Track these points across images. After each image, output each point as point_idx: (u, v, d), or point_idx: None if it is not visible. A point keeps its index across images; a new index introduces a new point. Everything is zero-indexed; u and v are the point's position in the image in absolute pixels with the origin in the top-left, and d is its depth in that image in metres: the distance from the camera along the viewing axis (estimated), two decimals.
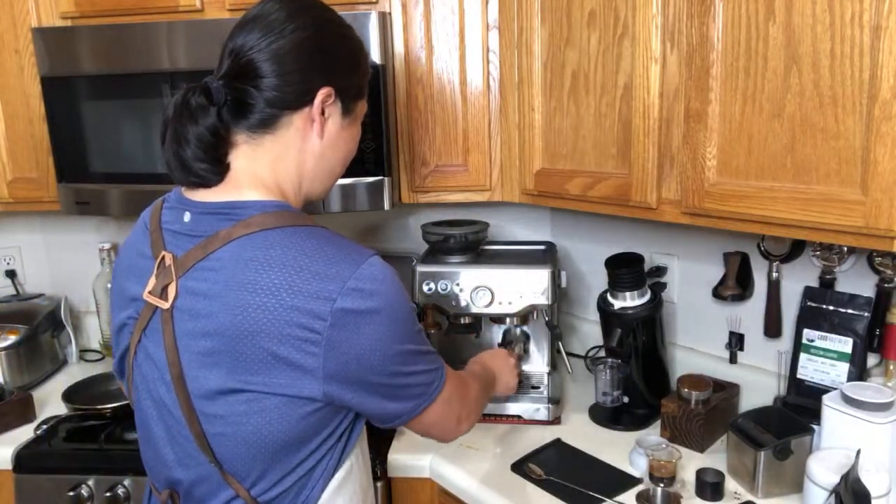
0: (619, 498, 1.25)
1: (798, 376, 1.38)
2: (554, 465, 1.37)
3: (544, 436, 1.49)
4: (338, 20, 0.95)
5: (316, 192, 1.00)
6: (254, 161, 0.90)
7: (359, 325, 0.82)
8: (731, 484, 1.26)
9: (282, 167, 0.92)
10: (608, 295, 1.53)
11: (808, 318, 1.37)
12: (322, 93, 0.90)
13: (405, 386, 0.91)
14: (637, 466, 1.33)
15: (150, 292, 0.88)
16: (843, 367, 1.31)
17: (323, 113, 0.92)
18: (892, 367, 1.28)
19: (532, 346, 1.72)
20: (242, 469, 0.87)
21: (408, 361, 0.90)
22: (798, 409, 1.32)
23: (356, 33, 0.98)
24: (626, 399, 1.56)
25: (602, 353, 1.73)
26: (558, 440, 1.47)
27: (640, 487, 1.27)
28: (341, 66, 0.93)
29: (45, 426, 1.59)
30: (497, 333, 1.72)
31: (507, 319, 1.62)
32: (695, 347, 1.66)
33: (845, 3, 0.94)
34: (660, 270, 1.64)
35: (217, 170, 0.89)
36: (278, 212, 0.87)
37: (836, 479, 1.06)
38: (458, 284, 1.55)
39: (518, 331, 1.63)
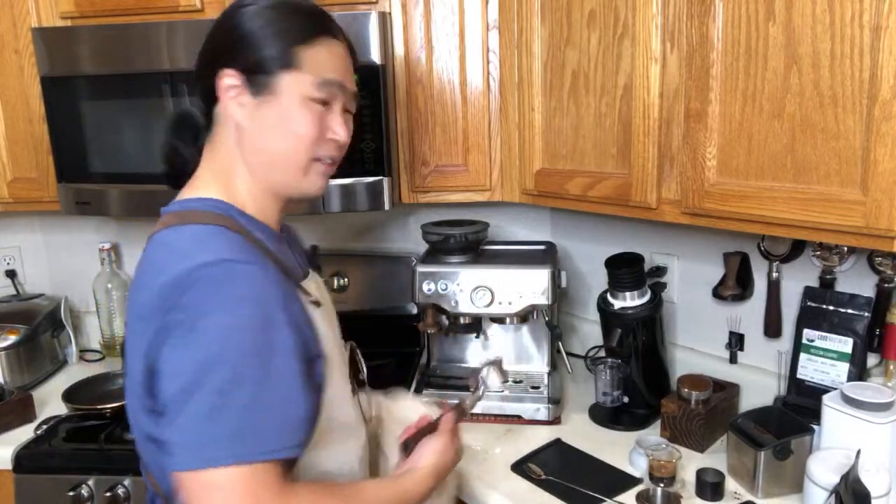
0: (619, 498, 1.25)
1: (798, 376, 1.38)
2: (554, 465, 1.37)
3: (544, 436, 1.49)
4: (242, 8, 0.91)
5: (279, 185, 0.96)
6: (206, 160, 0.97)
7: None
8: (731, 484, 1.26)
9: (224, 164, 0.95)
10: (608, 295, 1.53)
11: (808, 318, 1.37)
12: (220, 75, 0.90)
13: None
14: (637, 466, 1.33)
15: None
16: (843, 367, 1.31)
17: (234, 98, 0.91)
18: (892, 367, 1.28)
19: (532, 346, 1.72)
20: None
21: None
22: (798, 409, 1.32)
23: (265, 12, 0.90)
24: (626, 399, 1.56)
25: (602, 353, 1.73)
26: (558, 440, 1.47)
27: (640, 487, 1.27)
28: (237, 45, 0.90)
29: (45, 426, 1.59)
30: (497, 333, 1.72)
31: (507, 320, 1.62)
32: (695, 347, 1.66)
33: (845, 3, 0.94)
34: (660, 270, 1.63)
35: (171, 172, 1.01)
36: (182, 211, 0.91)
37: (836, 479, 1.06)
38: (458, 284, 1.55)
39: (487, 371, 1.22)
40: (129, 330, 0.90)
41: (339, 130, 0.95)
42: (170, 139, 1.00)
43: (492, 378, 1.21)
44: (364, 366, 1.15)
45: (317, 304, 0.98)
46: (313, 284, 1.04)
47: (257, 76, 0.90)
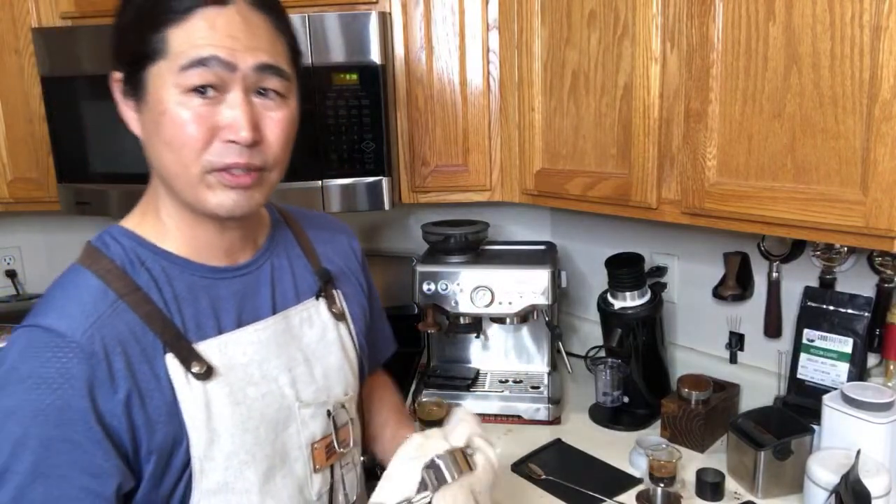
0: (619, 498, 1.25)
1: (798, 376, 1.38)
2: (554, 465, 1.37)
3: (544, 436, 1.49)
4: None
5: (190, 204, 0.78)
6: None
7: None
8: (731, 484, 1.26)
9: (152, 181, 0.82)
10: (608, 295, 1.53)
11: (808, 318, 1.37)
12: (111, 78, 0.78)
13: None
14: (637, 466, 1.33)
15: None
16: (843, 367, 1.31)
17: (125, 104, 0.78)
18: (892, 367, 1.28)
19: (532, 346, 1.72)
20: None
21: None
22: (798, 409, 1.32)
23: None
24: (626, 399, 1.56)
25: (602, 353, 1.73)
26: (558, 440, 1.47)
27: (640, 487, 1.27)
28: (113, 40, 0.77)
29: None
30: (497, 333, 1.72)
31: (507, 320, 1.62)
32: (695, 347, 1.66)
33: (845, 3, 0.94)
34: (660, 270, 1.64)
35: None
36: (88, 247, 0.81)
37: (836, 479, 1.06)
38: (458, 284, 1.55)
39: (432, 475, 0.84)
40: None
41: (237, 125, 0.72)
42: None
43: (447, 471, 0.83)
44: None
45: (204, 375, 0.77)
46: (253, 336, 0.83)
47: (131, 76, 0.75)
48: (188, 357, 0.77)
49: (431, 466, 0.80)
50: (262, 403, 0.82)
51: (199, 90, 0.72)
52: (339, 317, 0.95)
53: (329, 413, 0.90)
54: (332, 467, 0.91)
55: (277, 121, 0.77)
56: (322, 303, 0.93)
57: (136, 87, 0.75)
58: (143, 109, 0.76)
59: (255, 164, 0.75)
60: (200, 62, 0.71)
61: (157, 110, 0.73)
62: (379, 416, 1.12)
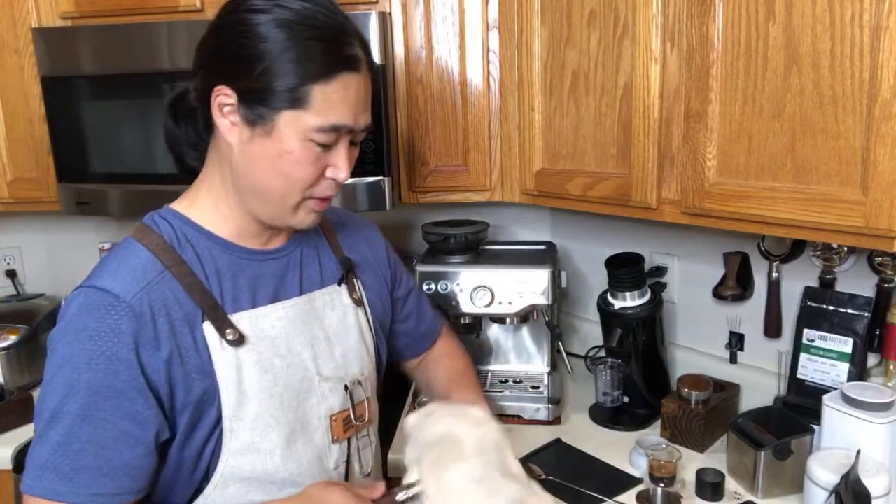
0: (619, 498, 1.25)
1: (798, 376, 1.38)
2: (554, 465, 1.37)
3: (544, 436, 1.48)
4: (255, 14, 0.79)
5: (265, 216, 0.89)
6: (206, 163, 0.92)
7: None
8: (731, 484, 1.26)
9: (210, 173, 0.90)
10: (608, 295, 1.53)
11: (808, 318, 1.37)
12: (216, 91, 0.82)
13: None
14: (637, 466, 1.33)
15: None
16: (843, 367, 1.31)
17: (226, 116, 0.83)
18: (892, 367, 1.28)
19: (532, 346, 1.72)
20: None
21: None
22: (798, 409, 1.32)
23: (281, 31, 0.78)
24: (626, 399, 1.56)
25: (602, 353, 1.73)
26: (558, 440, 1.47)
27: (640, 487, 1.27)
28: (240, 63, 0.80)
29: None
30: (497, 333, 1.72)
31: (507, 320, 1.62)
32: (695, 347, 1.66)
33: (845, 3, 0.94)
34: (660, 270, 1.64)
35: (182, 169, 0.95)
36: (140, 224, 0.90)
37: (836, 479, 1.06)
38: (458, 284, 1.55)
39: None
40: None
41: (341, 170, 0.86)
42: (165, 121, 0.93)
43: None
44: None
45: (236, 342, 0.86)
46: (272, 315, 0.91)
47: (256, 106, 0.81)
48: (223, 325, 0.86)
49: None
50: (287, 373, 0.91)
51: (324, 144, 0.83)
52: (358, 303, 1.04)
53: (346, 388, 0.98)
54: (348, 441, 0.99)
55: (353, 163, 0.90)
56: (343, 289, 1.02)
57: (257, 115, 0.81)
58: (260, 136, 0.82)
59: (334, 194, 0.91)
60: (336, 129, 0.83)
61: (282, 147, 0.82)
62: (438, 384, 1.21)
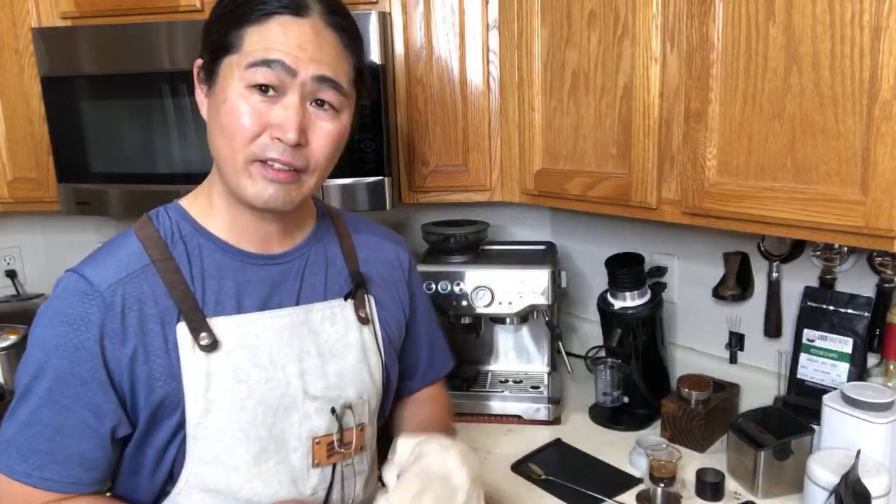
0: (619, 498, 1.25)
1: (798, 376, 1.38)
2: (554, 465, 1.37)
3: (544, 436, 1.48)
4: None
5: (233, 190, 0.84)
6: None
7: None
8: (731, 484, 1.26)
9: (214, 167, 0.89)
10: (608, 295, 1.53)
11: (808, 318, 1.37)
12: (195, 69, 0.86)
13: None
14: (637, 466, 1.33)
15: None
16: (843, 367, 1.31)
17: (201, 91, 0.85)
18: (892, 367, 1.28)
19: (532, 346, 1.72)
20: None
21: None
22: (798, 409, 1.32)
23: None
24: (626, 399, 1.56)
25: (602, 353, 1.73)
26: (558, 440, 1.47)
27: (640, 487, 1.27)
28: (204, 34, 0.84)
29: None
30: (497, 333, 1.72)
31: (507, 320, 1.62)
32: (695, 347, 1.66)
33: (845, 3, 0.94)
34: (660, 270, 1.64)
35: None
36: (144, 216, 0.90)
37: (836, 480, 1.06)
38: (458, 284, 1.55)
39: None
40: None
41: (284, 127, 0.78)
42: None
43: None
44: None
45: (209, 347, 0.83)
46: (257, 323, 0.87)
47: (209, 65, 0.83)
48: (198, 328, 0.83)
49: None
50: (265, 387, 0.86)
51: (261, 88, 0.78)
52: (364, 320, 0.98)
53: (333, 411, 0.91)
54: (333, 466, 0.92)
55: (326, 132, 0.83)
56: (350, 304, 0.96)
57: (209, 75, 0.82)
58: (210, 95, 0.82)
59: (296, 164, 0.81)
60: (266, 63, 0.77)
61: (220, 97, 0.80)
62: (412, 425, 1.12)
